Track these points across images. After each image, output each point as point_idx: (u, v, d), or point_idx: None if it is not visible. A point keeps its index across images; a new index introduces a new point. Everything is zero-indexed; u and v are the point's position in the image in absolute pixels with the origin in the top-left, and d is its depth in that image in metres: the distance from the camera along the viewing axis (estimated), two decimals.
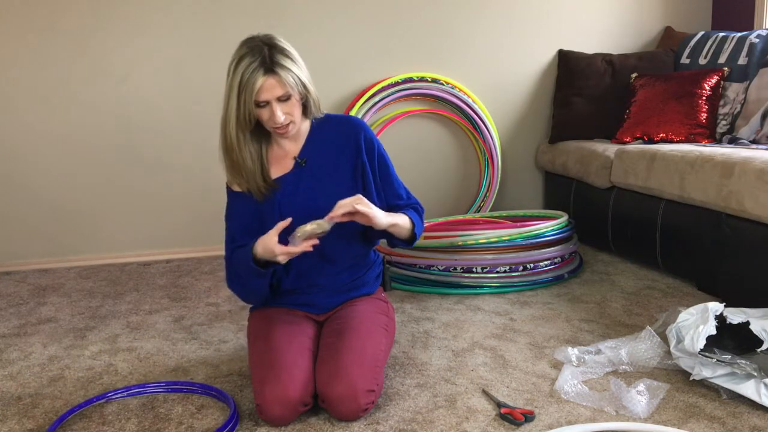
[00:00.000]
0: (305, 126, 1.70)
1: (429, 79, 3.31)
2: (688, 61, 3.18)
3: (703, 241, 2.31)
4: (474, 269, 2.46)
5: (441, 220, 3.03)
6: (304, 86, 1.57)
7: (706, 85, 2.89)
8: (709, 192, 2.21)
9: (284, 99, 1.54)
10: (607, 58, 3.35)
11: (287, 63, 1.52)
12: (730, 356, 1.57)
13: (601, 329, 2.04)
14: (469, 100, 3.31)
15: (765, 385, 1.49)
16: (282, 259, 1.51)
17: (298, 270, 1.69)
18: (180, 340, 2.09)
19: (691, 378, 1.60)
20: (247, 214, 1.67)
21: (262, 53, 1.50)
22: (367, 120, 3.20)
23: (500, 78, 3.45)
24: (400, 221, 1.66)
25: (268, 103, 1.53)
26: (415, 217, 1.72)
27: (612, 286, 2.49)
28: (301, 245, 1.50)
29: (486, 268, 2.45)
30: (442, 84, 3.31)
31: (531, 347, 1.91)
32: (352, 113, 3.18)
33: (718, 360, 1.56)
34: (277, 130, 1.59)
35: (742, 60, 2.90)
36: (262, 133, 1.64)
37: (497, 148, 3.38)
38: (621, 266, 2.75)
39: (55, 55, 3.01)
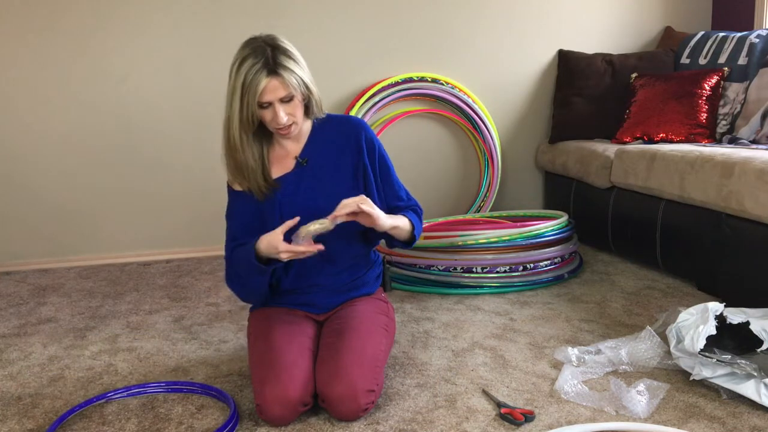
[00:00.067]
0: (307, 126, 1.71)
1: (429, 79, 3.31)
2: (688, 61, 3.18)
3: (703, 241, 2.31)
4: (474, 269, 2.46)
5: (441, 220, 3.03)
6: (307, 87, 1.58)
7: (706, 85, 2.89)
8: (709, 192, 2.21)
9: (287, 100, 1.55)
10: (607, 58, 3.35)
11: (290, 64, 1.52)
12: (730, 356, 1.57)
13: (601, 329, 2.04)
14: (469, 100, 3.31)
15: (765, 385, 1.49)
16: (284, 256, 1.51)
17: (298, 270, 1.69)
18: (180, 340, 2.09)
19: (691, 378, 1.60)
20: (247, 213, 1.68)
21: (265, 54, 1.51)
22: (367, 120, 3.20)
23: (500, 78, 3.45)
24: (401, 223, 1.66)
25: (270, 104, 1.54)
26: (414, 219, 1.72)
27: (612, 286, 2.49)
28: (305, 246, 1.50)
29: (486, 268, 2.45)
30: (442, 84, 3.31)
31: (531, 347, 1.91)
32: (352, 113, 3.18)
33: (718, 360, 1.56)
34: (279, 131, 1.60)
35: (742, 60, 2.90)
36: (263, 133, 1.65)
37: (497, 148, 3.38)
38: (621, 266, 2.75)
39: (55, 55, 3.01)
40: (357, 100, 3.23)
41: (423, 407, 1.56)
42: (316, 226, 1.50)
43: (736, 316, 1.66)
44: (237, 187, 1.68)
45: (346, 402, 1.45)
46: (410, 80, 3.28)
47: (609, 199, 2.85)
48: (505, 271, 2.46)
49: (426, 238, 2.50)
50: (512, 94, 3.48)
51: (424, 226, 2.68)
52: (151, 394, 1.69)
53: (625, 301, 2.30)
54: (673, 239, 2.47)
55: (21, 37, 2.97)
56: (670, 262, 2.52)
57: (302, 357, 1.54)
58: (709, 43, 3.12)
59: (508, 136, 3.52)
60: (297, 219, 1.53)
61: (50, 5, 2.97)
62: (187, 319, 2.29)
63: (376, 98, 3.23)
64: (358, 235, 1.71)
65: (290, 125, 1.59)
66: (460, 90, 3.34)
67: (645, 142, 2.88)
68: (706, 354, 1.59)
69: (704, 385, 1.61)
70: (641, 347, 1.78)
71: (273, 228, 1.60)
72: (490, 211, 3.40)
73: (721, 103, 2.88)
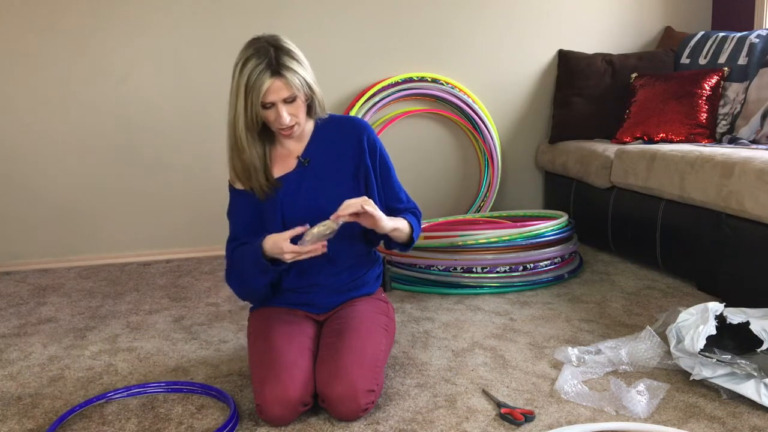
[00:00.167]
0: (309, 126, 1.71)
1: (429, 79, 3.31)
2: (688, 61, 3.18)
3: (703, 241, 2.31)
4: (474, 269, 2.46)
5: (441, 220, 3.04)
6: (310, 87, 1.58)
7: (706, 85, 2.89)
8: (709, 192, 2.21)
9: (290, 100, 1.55)
10: (607, 58, 3.35)
11: (293, 65, 1.53)
12: (730, 356, 1.57)
13: (601, 329, 2.04)
14: (469, 100, 3.31)
15: (765, 385, 1.49)
16: (289, 257, 1.51)
17: (299, 269, 1.69)
18: (180, 340, 2.09)
19: (691, 378, 1.60)
20: (248, 212, 1.68)
21: (269, 55, 1.51)
22: (367, 120, 3.20)
23: (500, 78, 3.45)
24: (401, 226, 1.67)
25: (274, 104, 1.54)
26: (414, 222, 1.73)
27: (612, 286, 2.49)
28: (311, 246, 1.50)
29: (486, 268, 2.45)
30: (442, 84, 3.31)
31: (531, 347, 1.91)
32: (352, 113, 3.18)
33: (718, 360, 1.56)
34: (282, 131, 1.61)
35: (742, 60, 2.90)
36: (265, 132, 1.65)
37: (497, 148, 3.38)
38: (621, 266, 2.75)
39: (55, 55, 3.01)
40: (357, 100, 3.23)
41: (423, 407, 1.56)
42: (321, 229, 1.50)
43: (736, 316, 1.66)
44: (238, 186, 1.69)
45: (346, 402, 1.45)
46: (410, 80, 3.28)
47: (609, 199, 2.85)
48: (505, 271, 2.46)
49: (426, 238, 2.50)
50: (512, 94, 3.48)
51: (424, 225, 2.68)
52: (151, 394, 1.69)
53: (625, 301, 2.30)
54: (673, 239, 2.47)
55: (21, 37, 2.97)
56: (670, 262, 2.52)
57: (302, 357, 1.54)
58: (709, 43, 3.12)
59: (508, 136, 3.52)
60: (306, 227, 1.53)
61: (50, 5, 2.97)
62: (187, 319, 2.29)
63: (376, 98, 3.23)
64: (359, 235, 1.71)
65: (293, 125, 1.59)
66: (460, 90, 3.34)
67: (645, 142, 2.88)
68: (706, 354, 1.59)
69: (704, 385, 1.61)
70: (641, 347, 1.78)
71: (274, 227, 1.61)
72: (490, 211, 3.40)
73: (721, 103, 2.88)
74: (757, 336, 1.60)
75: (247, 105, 1.53)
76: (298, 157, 1.70)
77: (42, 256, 3.14)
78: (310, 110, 1.66)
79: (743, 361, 1.53)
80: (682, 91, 2.92)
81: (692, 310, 1.71)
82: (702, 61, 3.11)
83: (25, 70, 3.00)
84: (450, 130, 3.44)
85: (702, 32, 3.23)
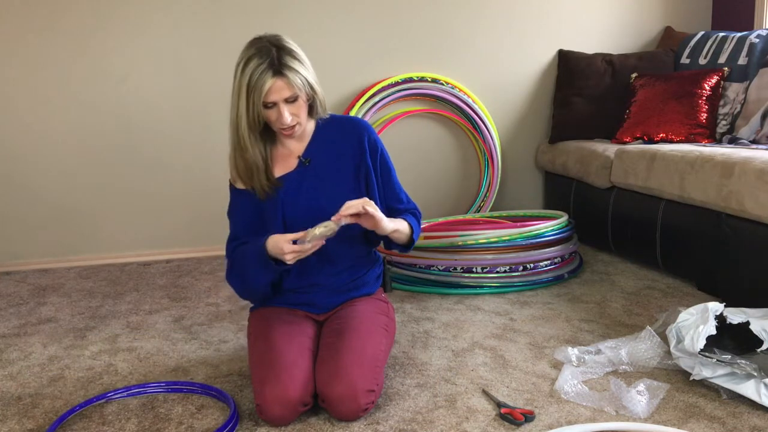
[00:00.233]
0: (310, 126, 1.72)
1: (429, 79, 3.31)
2: (688, 61, 3.18)
3: (703, 241, 2.31)
4: (474, 269, 2.46)
5: (441, 220, 3.03)
6: (311, 87, 1.59)
7: (706, 85, 2.89)
8: (709, 192, 2.21)
9: (291, 100, 1.56)
10: (607, 58, 3.35)
11: (295, 65, 1.53)
12: (730, 356, 1.57)
13: (601, 329, 2.04)
14: (469, 100, 3.31)
15: (765, 385, 1.49)
16: (289, 257, 1.51)
17: (299, 269, 1.69)
18: (180, 340, 2.09)
19: (691, 378, 1.60)
20: (249, 212, 1.68)
21: (271, 55, 1.51)
22: (367, 120, 3.20)
23: (500, 78, 3.45)
24: (401, 227, 1.67)
25: (275, 104, 1.54)
26: (414, 223, 1.74)
27: (612, 286, 2.49)
28: (309, 245, 1.50)
29: (486, 268, 2.45)
30: (442, 84, 3.31)
31: (531, 347, 1.91)
32: (352, 113, 3.18)
33: (718, 360, 1.56)
34: (283, 131, 1.61)
35: (742, 60, 2.90)
36: (266, 132, 1.65)
37: (497, 148, 3.38)
38: (621, 266, 2.75)
39: (55, 55, 3.01)
40: (357, 100, 3.23)
41: (423, 407, 1.56)
42: (321, 230, 1.50)
43: (736, 316, 1.66)
44: (239, 186, 1.69)
45: (346, 402, 1.45)
46: (410, 80, 3.28)
47: (609, 199, 2.85)
48: (505, 271, 2.46)
49: (426, 238, 2.50)
50: (512, 94, 3.48)
51: (424, 225, 2.69)
52: (151, 394, 1.69)
53: (625, 301, 2.30)
54: (673, 239, 2.47)
55: (21, 37, 2.97)
56: (670, 262, 2.52)
57: (302, 357, 1.54)
58: (709, 43, 3.12)
59: (508, 136, 3.52)
60: (306, 233, 1.52)
61: (50, 5, 2.97)
62: (187, 319, 2.29)
63: (376, 98, 3.23)
64: (359, 235, 1.71)
65: (294, 125, 1.60)
66: (460, 90, 3.34)
67: (645, 142, 2.88)
68: (706, 354, 1.59)
69: (704, 385, 1.61)
70: (641, 347, 1.78)
71: (274, 227, 1.62)
72: (490, 211, 3.40)
73: (721, 103, 2.88)
74: (757, 336, 1.60)
75: (249, 105, 1.54)
76: (299, 156, 1.70)
77: (42, 256, 3.14)
78: (311, 110, 1.66)
79: (743, 361, 1.53)
80: (682, 91, 2.92)
81: (692, 310, 1.71)
82: (702, 61, 3.11)
83: (25, 70, 3.00)
84: (450, 130, 3.44)
85: (702, 32, 3.23)
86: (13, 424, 1.56)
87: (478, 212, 3.41)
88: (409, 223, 1.71)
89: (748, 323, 1.62)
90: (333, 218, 1.51)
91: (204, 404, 1.62)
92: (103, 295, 2.63)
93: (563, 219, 2.61)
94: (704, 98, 2.87)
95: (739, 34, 3.02)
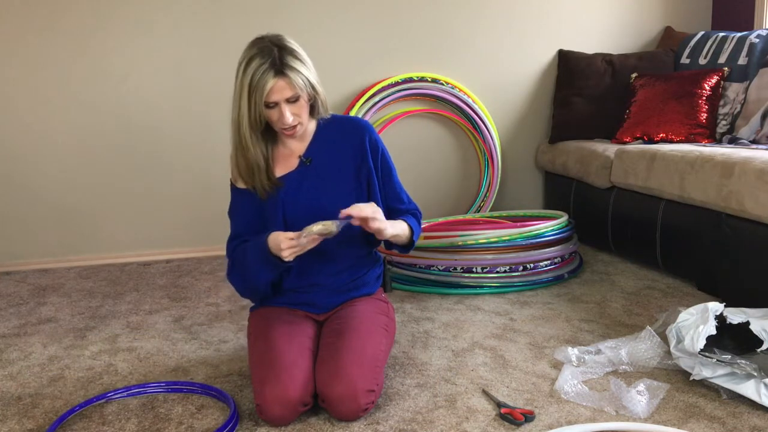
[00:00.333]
0: (311, 126, 1.72)
1: (429, 79, 3.31)
2: (688, 61, 3.18)
3: (703, 241, 2.31)
4: (474, 269, 2.46)
5: (441, 220, 3.04)
6: (313, 87, 1.59)
7: (706, 85, 2.89)
8: (709, 192, 2.21)
9: (293, 100, 1.56)
10: (607, 58, 3.35)
11: (297, 65, 1.53)
12: (730, 356, 1.57)
13: (601, 329, 2.04)
14: (469, 100, 3.31)
15: (765, 385, 1.49)
16: (286, 254, 1.51)
17: (299, 268, 1.69)
18: (180, 340, 2.09)
19: (691, 378, 1.60)
20: (250, 211, 1.69)
21: (272, 55, 1.51)
22: (366, 120, 3.20)
23: (500, 78, 3.45)
24: (401, 231, 1.68)
25: (277, 104, 1.55)
26: (414, 224, 1.74)
27: (612, 286, 2.49)
28: (307, 239, 1.50)
29: (486, 268, 2.45)
30: (442, 84, 3.31)
31: (531, 347, 1.91)
32: (352, 113, 3.18)
33: (718, 360, 1.56)
34: (284, 131, 1.61)
35: (742, 60, 2.90)
36: (268, 131, 1.66)
37: (497, 148, 3.38)
38: (621, 266, 2.75)
39: (55, 55, 3.01)
40: (357, 100, 3.23)
41: (423, 407, 1.56)
42: (319, 227, 1.50)
43: (736, 316, 1.66)
44: (240, 185, 1.69)
45: (346, 402, 1.45)
46: (410, 80, 3.28)
47: (609, 199, 2.85)
48: (505, 271, 2.46)
49: (426, 238, 2.50)
50: (512, 94, 3.48)
51: (424, 225, 2.68)
52: (151, 394, 1.69)
53: (625, 301, 2.30)
54: (673, 239, 2.47)
55: (21, 37, 2.97)
56: (670, 262, 2.52)
57: (302, 357, 1.54)
58: (709, 43, 3.12)
59: (508, 136, 3.52)
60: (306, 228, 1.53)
61: (50, 5, 2.97)
62: (187, 319, 2.29)
63: (376, 98, 3.23)
64: (359, 236, 1.71)
65: (296, 125, 1.60)
66: (460, 90, 3.34)
67: (645, 142, 2.88)
68: (706, 354, 1.59)
69: (704, 385, 1.61)
70: (641, 347, 1.78)
71: (275, 226, 1.62)
72: (490, 211, 3.40)
73: (721, 103, 2.88)
74: (757, 336, 1.60)
75: (250, 104, 1.54)
76: (300, 156, 1.70)
77: (42, 256, 3.14)
78: (312, 110, 1.66)
79: (743, 361, 1.53)
80: (682, 91, 2.92)
81: (692, 310, 1.71)
82: (702, 61, 3.11)
83: (25, 70, 3.00)
84: (450, 130, 3.44)
85: (702, 32, 3.23)
86: (13, 424, 1.56)
87: (478, 212, 3.41)
88: (410, 225, 1.72)
89: (748, 323, 1.62)
90: (341, 215, 1.51)
91: (204, 404, 1.62)
92: (103, 295, 2.63)
93: (563, 219, 2.61)
94: (704, 98, 2.87)
95: (739, 34, 3.02)
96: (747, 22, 3.36)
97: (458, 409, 1.55)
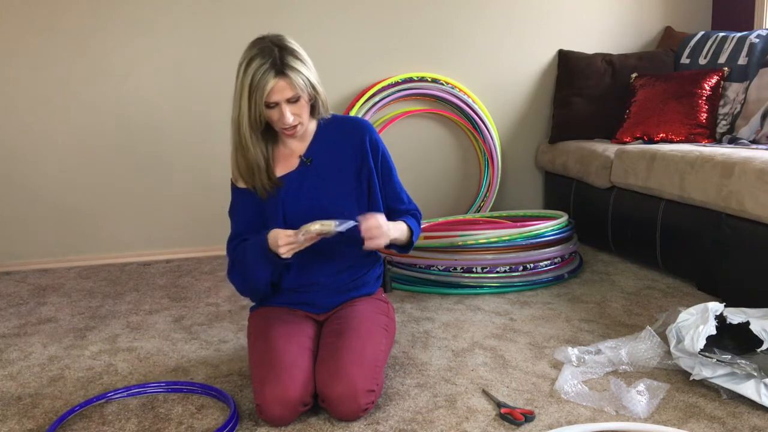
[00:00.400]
0: (312, 126, 1.72)
1: (429, 79, 3.31)
2: (688, 61, 3.18)
3: (703, 241, 2.31)
4: (474, 269, 2.46)
5: (441, 220, 3.03)
6: (314, 87, 1.59)
7: (706, 85, 2.89)
8: (709, 192, 2.21)
9: (294, 100, 1.56)
10: (607, 58, 3.35)
11: (297, 65, 1.53)
12: (730, 356, 1.57)
13: (601, 329, 2.04)
14: (469, 100, 3.31)
15: (765, 385, 1.49)
16: (283, 250, 1.51)
17: (299, 268, 1.69)
18: (180, 340, 2.09)
19: (691, 378, 1.60)
20: (250, 210, 1.69)
21: (273, 55, 1.51)
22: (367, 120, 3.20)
23: (500, 78, 3.45)
24: (401, 234, 1.69)
25: (277, 104, 1.55)
26: (414, 225, 1.74)
27: (612, 286, 2.49)
28: (304, 236, 1.51)
29: (486, 268, 2.45)
30: (442, 84, 3.31)
31: (531, 347, 1.91)
32: (352, 113, 3.18)
33: (718, 360, 1.56)
34: (285, 131, 1.61)
35: (742, 60, 2.90)
36: (268, 131, 1.66)
37: (497, 148, 3.38)
38: (621, 266, 2.75)
39: (55, 55, 3.01)
40: (357, 100, 3.23)
41: (423, 407, 1.56)
42: (317, 227, 1.50)
43: (736, 316, 1.66)
44: (240, 185, 1.69)
45: (346, 402, 1.45)
46: (410, 80, 3.28)
47: (609, 199, 2.85)
48: (505, 271, 2.46)
49: (426, 238, 2.50)
50: (512, 94, 3.48)
51: (424, 225, 2.69)
52: (151, 394, 1.69)
53: (625, 301, 2.30)
54: (673, 239, 2.47)
55: (21, 37, 2.97)
56: (670, 262, 2.52)
57: (302, 357, 1.54)
58: (709, 43, 3.12)
59: (508, 136, 3.52)
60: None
61: (50, 5, 2.97)
62: (187, 319, 2.29)
63: (376, 98, 3.23)
64: (359, 236, 1.71)
65: (296, 125, 1.60)
66: (460, 90, 3.34)
67: (645, 142, 2.88)
68: (706, 354, 1.59)
69: (704, 385, 1.61)
70: (641, 347, 1.78)
71: (275, 226, 1.62)
72: (490, 211, 3.40)
73: (721, 103, 2.88)
74: (757, 336, 1.60)
75: (251, 104, 1.54)
76: (300, 156, 1.70)
77: (42, 256, 3.14)
78: (313, 110, 1.67)
79: (743, 361, 1.53)
80: (682, 91, 2.92)
81: (692, 310, 1.71)
82: (702, 61, 3.11)
83: (25, 70, 3.00)
84: (450, 130, 3.44)
85: (702, 32, 3.23)
86: (13, 424, 1.56)
87: (478, 212, 3.41)
88: (409, 225, 1.72)
89: (748, 323, 1.62)
90: (347, 224, 1.52)
91: (204, 404, 1.62)
92: (103, 295, 2.63)
93: (563, 219, 2.61)
94: (704, 98, 2.87)
95: (739, 34, 3.02)
96: (747, 22, 3.36)
97: (458, 409, 1.55)
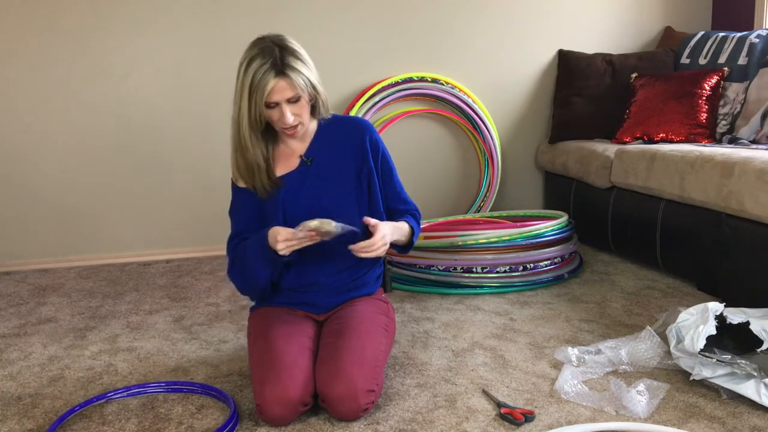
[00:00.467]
0: (312, 125, 1.72)
1: (429, 79, 3.31)
2: (688, 61, 3.18)
3: (703, 241, 2.31)
4: (474, 269, 2.46)
5: (441, 220, 3.03)
6: (314, 88, 1.59)
7: (706, 85, 2.89)
8: (709, 192, 2.21)
9: (294, 100, 1.56)
10: (607, 58, 3.35)
11: (298, 65, 1.53)
12: (730, 356, 1.57)
13: (601, 329, 2.04)
14: (469, 100, 3.31)
15: (765, 385, 1.49)
16: (281, 246, 1.51)
17: (299, 268, 1.69)
18: (180, 340, 2.09)
19: (691, 378, 1.60)
20: (250, 210, 1.69)
21: (273, 55, 1.51)
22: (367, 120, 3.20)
23: (500, 78, 3.45)
24: (401, 236, 1.70)
25: (278, 104, 1.55)
26: (414, 224, 1.75)
27: (612, 286, 2.49)
28: (302, 233, 1.50)
29: (486, 268, 2.45)
30: (442, 84, 3.31)
31: (531, 347, 1.91)
32: (352, 113, 3.18)
33: (718, 360, 1.56)
34: (285, 131, 1.61)
35: (742, 60, 2.90)
36: (268, 131, 1.66)
37: (497, 148, 3.38)
38: (621, 266, 2.75)
39: (55, 55, 3.01)
40: (357, 100, 3.23)
41: (423, 407, 1.56)
42: (316, 223, 1.50)
43: (736, 316, 1.66)
44: (241, 184, 1.69)
45: (346, 402, 1.45)
46: (410, 80, 3.28)
47: (609, 199, 2.85)
48: (505, 271, 2.46)
49: (426, 238, 2.50)
50: (512, 94, 3.48)
51: (423, 225, 2.69)
52: (151, 394, 1.69)
53: (625, 301, 2.30)
54: (673, 239, 2.47)
55: (21, 37, 2.97)
56: (670, 262, 2.52)
57: (302, 357, 1.54)
58: (709, 43, 3.12)
59: (508, 136, 3.52)
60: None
61: (50, 5, 2.97)
62: (187, 319, 2.29)
63: (376, 98, 3.23)
64: (360, 236, 1.71)
65: (296, 125, 1.60)
66: (460, 90, 3.34)
67: (645, 142, 2.88)
68: (706, 354, 1.59)
69: (704, 385, 1.61)
70: (641, 347, 1.78)
71: (275, 225, 1.61)
72: (490, 211, 3.40)
73: (721, 103, 2.88)
74: (757, 336, 1.60)
75: (251, 104, 1.54)
76: (300, 156, 1.71)
77: (42, 256, 3.14)
78: (313, 110, 1.67)
79: (743, 361, 1.53)
80: (682, 91, 2.92)
81: (692, 310, 1.71)
82: (702, 61, 3.11)
83: (25, 70, 3.00)
84: (450, 130, 3.44)
85: (702, 32, 3.23)
86: (13, 424, 1.56)
87: (478, 212, 3.41)
88: (410, 226, 1.72)
89: (748, 323, 1.62)
90: (364, 221, 1.52)
91: (204, 404, 1.62)
92: (103, 295, 2.63)
93: (563, 219, 2.61)
94: (704, 98, 2.87)
95: (739, 34, 3.02)
96: (747, 22, 3.36)
97: (458, 409, 1.55)
